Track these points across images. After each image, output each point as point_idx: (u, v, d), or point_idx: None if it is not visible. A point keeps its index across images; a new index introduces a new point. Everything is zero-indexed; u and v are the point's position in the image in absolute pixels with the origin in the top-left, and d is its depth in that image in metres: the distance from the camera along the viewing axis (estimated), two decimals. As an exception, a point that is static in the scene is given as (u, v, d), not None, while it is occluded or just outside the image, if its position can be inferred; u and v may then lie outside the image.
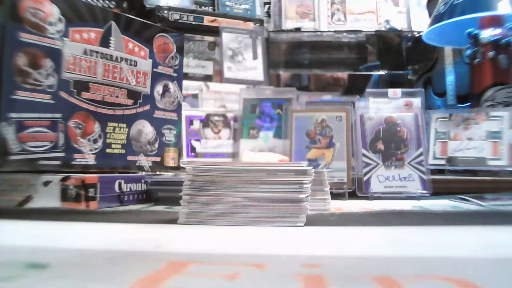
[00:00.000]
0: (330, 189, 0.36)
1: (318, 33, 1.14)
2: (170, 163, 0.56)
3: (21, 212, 0.35)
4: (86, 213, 0.36)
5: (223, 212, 0.26)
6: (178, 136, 0.58)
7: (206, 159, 0.77)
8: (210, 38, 0.94)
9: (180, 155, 0.58)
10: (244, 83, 0.88)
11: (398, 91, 0.63)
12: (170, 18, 0.88)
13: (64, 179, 0.40)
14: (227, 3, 1.02)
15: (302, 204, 0.26)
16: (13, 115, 0.40)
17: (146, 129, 0.53)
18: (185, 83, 0.73)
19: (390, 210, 0.39)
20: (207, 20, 0.94)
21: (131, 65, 0.51)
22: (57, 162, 0.43)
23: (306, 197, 0.26)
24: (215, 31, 0.91)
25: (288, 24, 1.14)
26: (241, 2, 1.04)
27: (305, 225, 0.27)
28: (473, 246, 0.21)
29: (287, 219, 0.26)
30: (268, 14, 1.13)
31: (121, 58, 0.50)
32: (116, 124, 0.49)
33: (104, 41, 0.48)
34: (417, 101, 0.62)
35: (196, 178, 0.26)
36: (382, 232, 0.25)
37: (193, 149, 0.80)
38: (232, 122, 0.82)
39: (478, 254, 0.19)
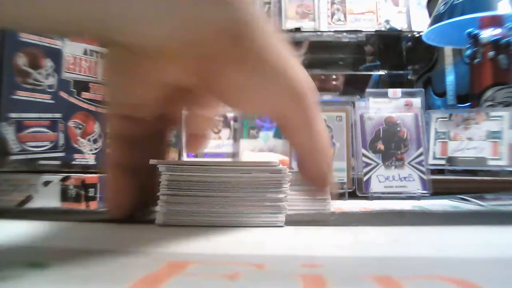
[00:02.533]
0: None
1: (318, 33, 1.15)
2: (170, 163, 0.56)
3: (21, 212, 0.35)
4: (86, 213, 0.36)
5: (201, 212, 0.26)
6: (178, 136, 0.58)
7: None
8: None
9: (180, 155, 0.57)
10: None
11: (398, 91, 0.63)
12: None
13: (64, 179, 0.40)
14: (227, 3, 1.02)
15: (281, 204, 0.26)
16: (13, 115, 0.40)
17: (146, 129, 0.53)
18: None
19: (390, 210, 0.39)
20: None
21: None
22: (57, 162, 0.43)
23: (284, 196, 0.26)
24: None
25: (288, 24, 1.14)
26: (241, 2, 1.04)
27: (305, 225, 0.27)
28: (473, 246, 0.21)
29: (265, 219, 0.26)
30: (268, 14, 1.13)
31: (121, 58, 0.50)
32: (116, 124, 0.49)
33: (104, 41, 0.48)
34: (417, 101, 0.62)
35: (172, 177, 0.26)
36: (382, 232, 0.25)
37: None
38: (232, 122, 0.82)
39: (478, 254, 0.19)
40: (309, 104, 0.24)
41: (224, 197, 0.26)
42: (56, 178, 0.40)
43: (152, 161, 0.26)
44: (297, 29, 1.12)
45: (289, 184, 0.27)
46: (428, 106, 1.02)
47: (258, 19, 0.22)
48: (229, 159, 0.78)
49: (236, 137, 0.80)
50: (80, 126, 0.45)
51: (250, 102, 0.24)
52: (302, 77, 0.24)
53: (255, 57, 0.22)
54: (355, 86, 1.13)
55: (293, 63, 0.24)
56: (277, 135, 0.77)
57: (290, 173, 0.27)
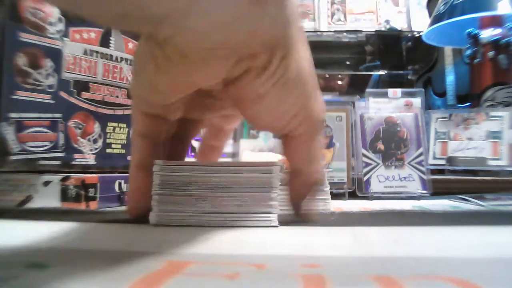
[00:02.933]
0: (330, 189, 0.36)
1: (318, 33, 1.14)
2: (170, 163, 0.56)
3: (21, 212, 0.35)
4: (86, 213, 0.36)
5: (193, 212, 0.26)
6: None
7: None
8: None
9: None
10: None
11: (398, 91, 0.63)
12: (170, 18, 0.88)
13: (64, 179, 0.40)
14: (227, 3, 1.02)
15: (272, 203, 0.26)
16: (13, 115, 0.40)
17: (146, 129, 0.53)
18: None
19: (390, 210, 0.39)
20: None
21: (131, 65, 0.51)
22: (57, 162, 0.43)
23: (276, 196, 0.26)
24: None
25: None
26: (241, 2, 1.04)
27: (306, 225, 0.27)
28: (473, 246, 0.21)
29: (257, 219, 0.26)
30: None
31: (121, 58, 0.50)
32: (116, 124, 0.49)
33: (104, 41, 0.48)
34: (417, 101, 0.62)
35: (164, 178, 0.26)
36: (382, 232, 0.25)
37: (193, 149, 0.80)
38: (232, 122, 0.82)
39: (478, 254, 0.19)
40: (318, 135, 0.27)
41: (216, 197, 0.26)
42: (56, 178, 0.40)
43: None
44: (297, 29, 1.12)
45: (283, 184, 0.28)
46: (428, 106, 1.01)
47: (301, 43, 0.24)
48: (229, 159, 0.78)
49: (236, 137, 0.80)
50: (80, 126, 0.45)
51: (266, 111, 0.24)
52: (321, 109, 0.26)
53: (288, 74, 0.23)
54: (355, 86, 1.13)
55: (316, 91, 0.25)
56: (277, 135, 0.77)
57: (282, 173, 0.27)
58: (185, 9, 0.18)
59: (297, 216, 0.28)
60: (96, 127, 0.47)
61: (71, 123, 0.45)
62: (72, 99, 0.45)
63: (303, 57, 0.24)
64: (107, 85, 0.48)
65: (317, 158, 0.27)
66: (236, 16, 0.19)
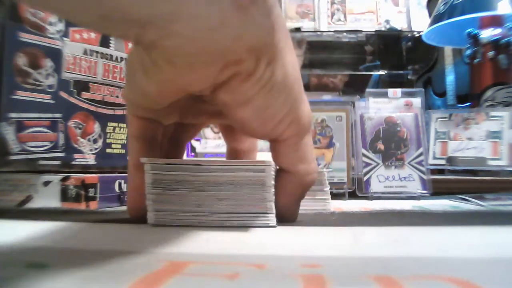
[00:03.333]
0: (330, 189, 0.36)
1: (318, 33, 1.14)
2: (170, 163, 0.56)
3: (21, 212, 0.35)
4: (86, 213, 0.36)
5: (188, 212, 0.26)
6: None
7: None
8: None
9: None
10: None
11: (398, 91, 0.63)
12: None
13: (64, 179, 0.40)
14: (227, 3, 1.02)
15: (268, 203, 0.26)
16: (13, 115, 0.40)
17: (146, 129, 0.53)
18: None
19: (390, 210, 0.39)
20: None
21: (131, 65, 0.51)
22: (57, 162, 0.43)
23: (271, 195, 0.26)
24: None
25: (288, 24, 1.14)
26: (241, 2, 1.04)
27: (306, 225, 0.27)
28: (473, 246, 0.21)
29: (254, 219, 0.26)
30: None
31: (121, 58, 0.50)
32: (116, 124, 0.49)
33: (104, 41, 0.48)
34: (417, 101, 0.62)
35: (157, 177, 0.26)
36: (382, 232, 0.25)
37: (193, 149, 0.80)
38: (232, 122, 0.82)
39: (478, 254, 0.19)
40: (309, 138, 0.27)
41: (209, 197, 0.26)
42: (56, 178, 0.40)
43: (142, 159, 0.26)
44: (297, 29, 1.12)
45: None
46: (428, 106, 1.02)
47: (287, 49, 0.24)
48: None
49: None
50: (80, 126, 0.45)
51: (254, 115, 0.24)
52: (308, 112, 0.26)
53: (275, 79, 0.23)
54: (355, 86, 1.13)
55: (303, 95, 0.26)
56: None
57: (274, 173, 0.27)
58: (168, 14, 0.18)
59: (283, 219, 0.27)
60: (96, 127, 0.47)
61: (71, 123, 0.45)
62: (72, 99, 0.45)
63: (290, 62, 0.24)
64: (107, 85, 0.48)
65: (307, 159, 0.27)
66: (221, 22, 0.19)
